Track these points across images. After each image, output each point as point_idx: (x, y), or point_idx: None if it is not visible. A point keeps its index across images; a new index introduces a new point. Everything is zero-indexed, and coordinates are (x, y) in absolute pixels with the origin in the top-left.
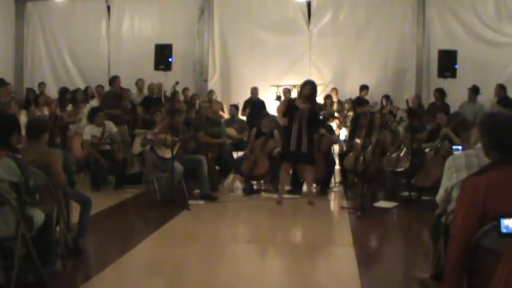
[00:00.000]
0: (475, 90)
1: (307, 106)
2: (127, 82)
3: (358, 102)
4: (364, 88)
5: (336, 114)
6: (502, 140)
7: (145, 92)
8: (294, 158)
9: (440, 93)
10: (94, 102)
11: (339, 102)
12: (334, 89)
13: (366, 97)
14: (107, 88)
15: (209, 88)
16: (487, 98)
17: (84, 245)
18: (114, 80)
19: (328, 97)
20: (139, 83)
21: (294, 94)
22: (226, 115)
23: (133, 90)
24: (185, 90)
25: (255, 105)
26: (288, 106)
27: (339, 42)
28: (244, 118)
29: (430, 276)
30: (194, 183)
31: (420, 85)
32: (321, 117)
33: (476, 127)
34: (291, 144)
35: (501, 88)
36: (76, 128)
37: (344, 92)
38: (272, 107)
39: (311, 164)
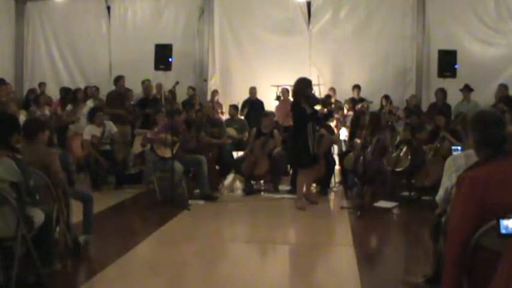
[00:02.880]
0: (468, 89)
1: (316, 116)
2: (127, 82)
3: (354, 101)
4: (355, 87)
5: (336, 115)
6: (491, 136)
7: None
8: (312, 161)
9: (443, 93)
10: (90, 103)
11: (336, 101)
12: (332, 89)
13: (360, 96)
14: (105, 88)
15: (209, 88)
16: (487, 97)
17: (88, 242)
18: (118, 79)
19: (328, 97)
20: (145, 83)
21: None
22: (224, 116)
23: (135, 90)
24: (189, 88)
25: (253, 105)
26: (298, 110)
27: (339, 42)
28: (242, 118)
29: (426, 280)
30: (194, 183)
31: (420, 85)
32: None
33: (467, 125)
34: (310, 147)
35: (504, 88)
36: (75, 128)
37: (344, 92)
38: (271, 107)
39: (318, 162)
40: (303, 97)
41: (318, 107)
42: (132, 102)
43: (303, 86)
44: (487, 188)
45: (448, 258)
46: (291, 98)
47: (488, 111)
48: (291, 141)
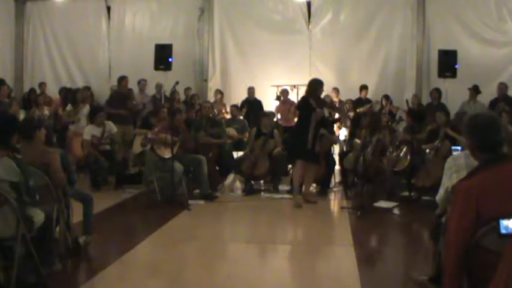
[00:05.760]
0: (475, 90)
1: (323, 111)
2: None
3: (359, 102)
4: (363, 88)
5: (337, 115)
6: (486, 141)
7: (148, 92)
8: (309, 155)
9: (438, 93)
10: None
11: (340, 102)
12: (335, 89)
13: (367, 97)
14: (104, 88)
15: (209, 88)
16: (487, 97)
17: (89, 242)
18: (122, 80)
19: (327, 97)
20: (141, 83)
21: (293, 94)
22: (228, 116)
23: (135, 90)
24: (187, 89)
25: (252, 105)
26: (305, 105)
27: (339, 42)
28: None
29: (429, 279)
30: (194, 183)
31: (420, 85)
32: (336, 116)
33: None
34: (307, 142)
35: (504, 87)
36: (75, 128)
37: (344, 92)
38: (271, 107)
39: (318, 163)
40: (314, 95)
41: (326, 112)
42: (134, 102)
43: (316, 85)
44: (482, 197)
45: (447, 266)
46: (291, 98)
47: (482, 115)
48: (293, 133)
